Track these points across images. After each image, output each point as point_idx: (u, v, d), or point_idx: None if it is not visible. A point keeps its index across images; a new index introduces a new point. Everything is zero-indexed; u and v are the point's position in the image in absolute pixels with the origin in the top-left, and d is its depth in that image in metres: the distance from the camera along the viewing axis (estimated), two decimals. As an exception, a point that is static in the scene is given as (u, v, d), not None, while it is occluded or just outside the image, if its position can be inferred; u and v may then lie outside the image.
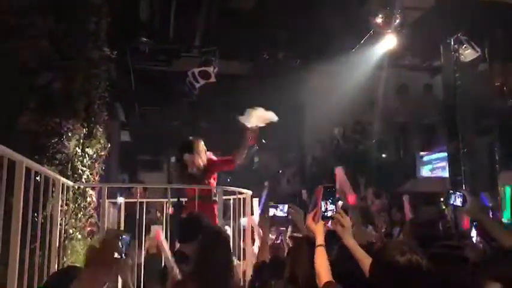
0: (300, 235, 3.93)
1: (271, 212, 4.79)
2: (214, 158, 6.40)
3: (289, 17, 10.30)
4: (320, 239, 2.66)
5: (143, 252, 6.12)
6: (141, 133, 13.70)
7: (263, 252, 3.97)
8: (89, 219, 5.57)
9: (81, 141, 5.49)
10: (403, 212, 7.47)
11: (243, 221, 6.13)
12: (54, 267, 4.34)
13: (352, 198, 4.30)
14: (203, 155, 6.23)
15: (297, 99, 14.00)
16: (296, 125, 14.82)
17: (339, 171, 4.60)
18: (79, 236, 5.30)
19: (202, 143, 6.32)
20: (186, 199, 6.23)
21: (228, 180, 13.53)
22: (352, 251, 2.67)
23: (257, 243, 5.57)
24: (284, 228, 7.59)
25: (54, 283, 2.83)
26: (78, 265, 4.28)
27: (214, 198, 6.00)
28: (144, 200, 6.26)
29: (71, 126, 5.21)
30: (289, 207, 4.22)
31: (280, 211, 4.75)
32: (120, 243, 2.82)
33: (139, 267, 5.74)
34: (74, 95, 5.40)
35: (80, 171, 5.36)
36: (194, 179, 6.09)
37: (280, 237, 7.28)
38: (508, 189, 8.55)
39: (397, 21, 9.36)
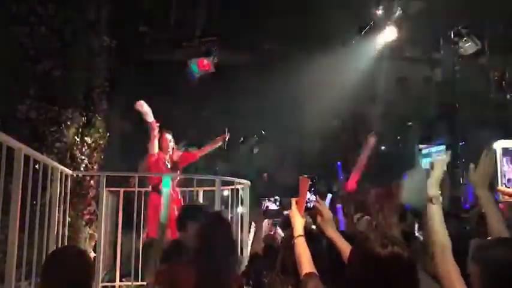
0: None
1: (265, 204, 4.81)
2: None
3: (291, 7, 10.28)
4: (299, 230, 2.63)
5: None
6: (140, 123, 13.70)
7: (257, 244, 3.99)
8: (87, 208, 5.60)
9: (80, 130, 5.51)
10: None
11: (240, 209, 6.17)
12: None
13: (352, 182, 4.28)
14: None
15: (297, 89, 13.99)
16: (296, 116, 14.82)
17: (372, 141, 4.48)
18: (77, 224, 5.34)
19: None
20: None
21: (217, 168, 13.55)
22: (334, 242, 2.68)
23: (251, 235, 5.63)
24: (278, 220, 7.62)
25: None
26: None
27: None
28: (143, 190, 6.28)
29: (70, 114, 5.25)
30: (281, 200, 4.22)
31: (273, 204, 4.76)
32: None
33: (138, 252, 5.79)
34: (74, 83, 5.43)
35: (78, 159, 5.39)
36: None
37: (273, 229, 7.30)
38: None
39: (398, 12, 9.35)
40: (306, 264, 2.45)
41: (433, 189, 2.38)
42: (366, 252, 2.00)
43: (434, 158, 2.65)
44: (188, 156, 6.92)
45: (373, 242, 2.00)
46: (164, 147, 6.74)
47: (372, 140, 4.67)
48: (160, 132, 6.71)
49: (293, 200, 2.76)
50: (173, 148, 6.79)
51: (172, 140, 6.82)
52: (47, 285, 2.52)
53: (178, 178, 6.71)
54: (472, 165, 2.77)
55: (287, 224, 3.13)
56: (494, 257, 2.11)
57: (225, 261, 3.23)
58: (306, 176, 2.82)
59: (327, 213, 2.75)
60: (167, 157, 6.71)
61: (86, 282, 2.54)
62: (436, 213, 2.30)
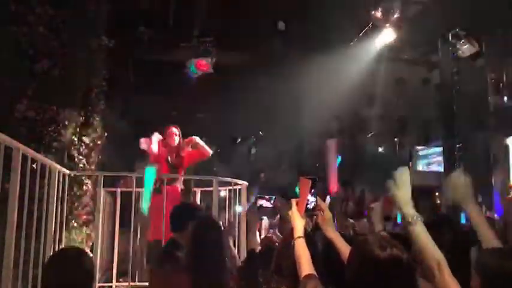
0: None
1: (259, 202, 4.81)
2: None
3: (289, 8, 10.29)
4: (299, 231, 2.62)
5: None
6: (139, 123, 13.69)
7: (252, 241, 4.00)
8: (85, 208, 5.60)
9: (78, 129, 5.51)
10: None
11: (238, 208, 6.19)
12: (50, 254, 4.37)
13: (333, 186, 4.28)
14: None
15: (295, 91, 14.01)
16: (294, 116, 14.84)
17: (331, 144, 4.46)
18: (74, 224, 5.34)
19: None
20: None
21: (214, 169, 13.56)
22: (334, 243, 2.68)
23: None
24: (275, 221, 7.62)
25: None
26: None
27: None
28: (141, 190, 6.26)
29: (68, 114, 5.24)
30: (276, 199, 4.22)
31: (267, 202, 4.77)
32: None
33: (134, 252, 5.79)
34: (72, 83, 5.42)
35: (76, 159, 5.39)
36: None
37: (270, 230, 7.31)
38: None
39: (396, 15, 9.37)
40: (306, 265, 2.44)
41: (409, 209, 2.32)
42: (365, 255, 2.01)
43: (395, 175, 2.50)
44: (198, 154, 6.52)
45: (372, 244, 2.00)
46: (169, 142, 6.40)
47: (331, 144, 4.48)
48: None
49: (293, 201, 2.76)
50: (179, 142, 6.43)
51: (178, 134, 6.46)
52: (48, 286, 2.53)
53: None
54: (446, 187, 2.74)
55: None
56: (494, 268, 2.11)
57: (219, 263, 3.24)
58: (306, 177, 2.82)
59: (328, 214, 2.76)
60: (171, 154, 6.36)
61: (87, 283, 2.55)
62: (420, 233, 2.24)
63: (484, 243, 2.53)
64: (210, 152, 6.51)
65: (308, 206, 2.77)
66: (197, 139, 6.49)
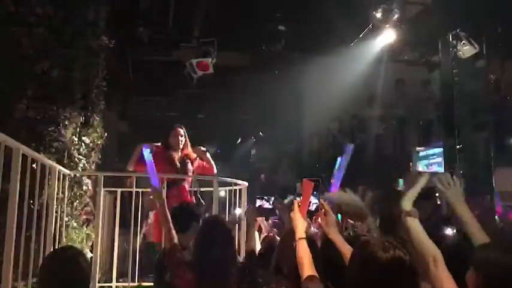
0: None
1: (258, 203, 4.79)
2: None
3: (289, 9, 10.29)
4: (301, 232, 2.63)
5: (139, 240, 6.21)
6: (139, 124, 13.70)
7: (251, 242, 4.00)
8: (85, 208, 5.60)
9: (78, 129, 5.51)
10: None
11: (238, 211, 6.18)
12: (50, 254, 4.37)
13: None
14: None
15: (296, 91, 14.01)
16: (294, 117, 14.83)
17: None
18: (74, 224, 5.34)
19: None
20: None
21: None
22: (337, 246, 2.68)
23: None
24: (277, 221, 7.60)
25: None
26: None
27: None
28: (141, 190, 6.25)
29: (68, 114, 5.24)
30: (275, 199, 4.22)
31: (266, 202, 4.74)
32: None
33: (135, 253, 5.80)
34: (72, 83, 5.42)
35: (76, 159, 5.39)
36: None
37: (271, 230, 7.29)
38: None
39: (396, 15, 9.36)
40: (308, 267, 2.45)
41: (409, 205, 2.45)
42: (367, 256, 2.00)
43: (425, 174, 2.52)
44: (206, 170, 6.58)
45: (375, 245, 2.00)
46: (175, 143, 6.45)
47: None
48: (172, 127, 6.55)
49: (296, 203, 2.76)
50: (185, 142, 6.51)
51: (184, 134, 6.52)
52: (45, 287, 2.54)
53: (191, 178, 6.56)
54: (445, 176, 2.80)
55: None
56: (495, 262, 2.09)
57: (225, 263, 3.24)
58: (310, 179, 2.82)
59: (331, 216, 2.77)
60: (176, 155, 6.46)
61: (84, 284, 2.55)
62: (416, 227, 2.33)
63: (474, 240, 2.56)
64: (215, 170, 6.58)
65: (309, 207, 2.78)
66: (207, 154, 6.57)
